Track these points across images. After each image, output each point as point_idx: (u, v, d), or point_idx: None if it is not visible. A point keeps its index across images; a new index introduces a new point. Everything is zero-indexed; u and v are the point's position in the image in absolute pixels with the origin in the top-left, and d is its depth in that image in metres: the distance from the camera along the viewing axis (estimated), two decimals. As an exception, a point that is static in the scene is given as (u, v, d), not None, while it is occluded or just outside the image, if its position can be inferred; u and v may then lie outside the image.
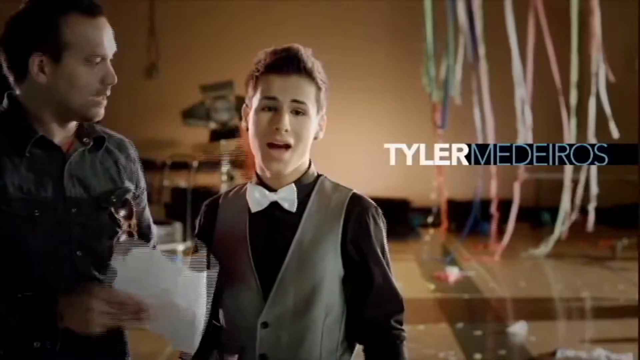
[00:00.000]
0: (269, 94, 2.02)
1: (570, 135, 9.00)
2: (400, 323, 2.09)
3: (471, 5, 9.29)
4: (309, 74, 2.04)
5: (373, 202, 2.12)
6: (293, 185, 2.06)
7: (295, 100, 2.02)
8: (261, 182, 2.09)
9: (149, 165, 13.47)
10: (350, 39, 11.91)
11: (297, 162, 2.06)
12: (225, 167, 8.89)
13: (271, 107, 2.02)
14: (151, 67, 12.39)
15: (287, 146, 2.02)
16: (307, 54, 2.05)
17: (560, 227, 9.37)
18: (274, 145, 2.01)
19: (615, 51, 9.37)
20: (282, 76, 2.02)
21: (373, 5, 12.25)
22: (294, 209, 2.06)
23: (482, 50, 9.32)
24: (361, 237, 2.07)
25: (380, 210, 2.12)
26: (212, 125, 8.87)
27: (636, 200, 8.65)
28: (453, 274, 8.26)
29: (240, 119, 7.88)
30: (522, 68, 9.17)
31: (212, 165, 9.61)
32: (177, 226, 9.53)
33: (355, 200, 2.09)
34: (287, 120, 2.01)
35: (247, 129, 2.08)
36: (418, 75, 10.39)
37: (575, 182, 9.22)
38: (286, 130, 2.00)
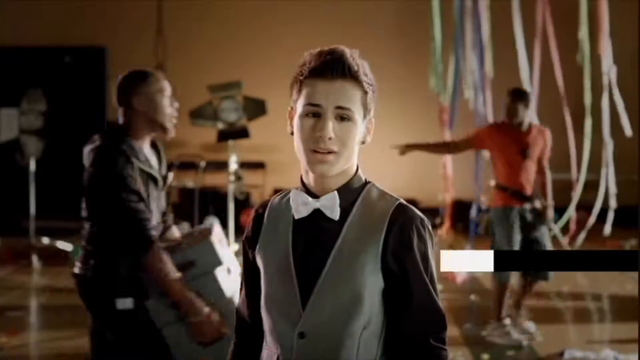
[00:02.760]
0: (313, 100, 1.94)
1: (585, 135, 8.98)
2: (442, 341, 2.01)
3: (478, 6, 9.29)
4: (354, 77, 1.95)
5: (420, 213, 2.02)
6: (335, 192, 1.99)
7: (339, 107, 1.94)
8: (306, 189, 2.03)
9: (156, 165, 13.39)
10: (356, 39, 11.89)
11: (342, 166, 1.98)
12: (232, 168, 8.89)
13: (315, 113, 1.95)
14: (158, 67, 12.40)
15: (331, 152, 1.95)
16: (354, 56, 1.97)
17: (562, 226, 9.35)
18: (318, 152, 1.95)
19: (621, 52, 9.34)
20: (326, 81, 1.94)
21: (379, 5, 12.25)
22: (336, 217, 1.99)
23: (488, 50, 9.32)
24: (402, 249, 1.98)
25: (427, 222, 2.02)
26: (220, 125, 8.87)
27: (638, 200, 8.65)
28: (460, 274, 8.26)
29: (248, 119, 7.98)
30: (529, 69, 9.15)
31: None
32: (185, 226, 9.54)
33: (400, 210, 2.00)
34: (330, 127, 1.93)
35: (292, 133, 2.00)
36: (425, 76, 10.40)
37: (586, 183, 9.19)
38: (330, 138, 1.93)
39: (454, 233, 10.69)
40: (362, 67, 1.98)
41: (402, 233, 1.98)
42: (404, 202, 2.03)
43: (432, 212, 10.85)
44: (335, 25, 11.82)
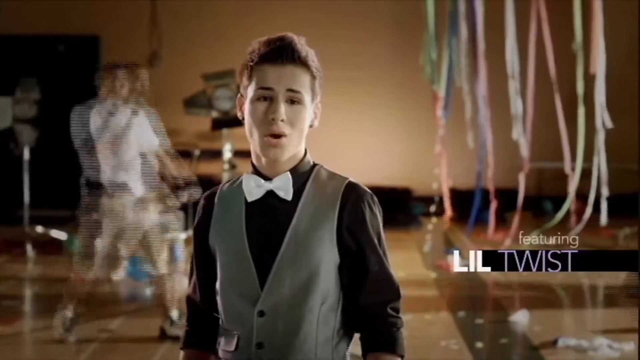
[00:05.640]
0: (265, 84, 2.03)
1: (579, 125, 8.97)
2: (397, 310, 2.10)
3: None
4: (303, 63, 2.05)
5: (369, 190, 2.12)
6: (288, 173, 2.07)
7: (290, 90, 2.03)
8: (257, 172, 2.10)
9: (151, 154, 13.35)
10: (351, 30, 11.90)
11: (293, 150, 2.06)
12: (227, 156, 8.88)
13: (267, 97, 2.03)
14: (153, 56, 12.37)
15: (283, 135, 2.03)
16: (301, 43, 2.06)
17: (562, 216, 9.34)
18: (270, 136, 2.02)
19: (619, 40, 9.33)
20: (276, 66, 2.03)
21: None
22: (289, 198, 2.07)
23: (482, 40, 9.30)
24: (356, 224, 2.07)
25: (376, 198, 2.12)
26: (214, 113, 8.86)
27: (637, 189, 8.64)
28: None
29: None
30: (519, 59, 9.14)
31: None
32: (179, 215, 9.54)
33: (351, 188, 2.09)
34: (282, 110, 2.02)
35: (242, 119, 2.09)
36: (420, 65, 10.38)
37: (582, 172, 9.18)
38: (282, 120, 2.01)
39: (450, 222, 10.69)
40: (310, 53, 2.07)
41: (355, 209, 2.07)
42: (354, 181, 2.12)
43: (427, 201, 10.85)
44: (330, 16, 11.80)
